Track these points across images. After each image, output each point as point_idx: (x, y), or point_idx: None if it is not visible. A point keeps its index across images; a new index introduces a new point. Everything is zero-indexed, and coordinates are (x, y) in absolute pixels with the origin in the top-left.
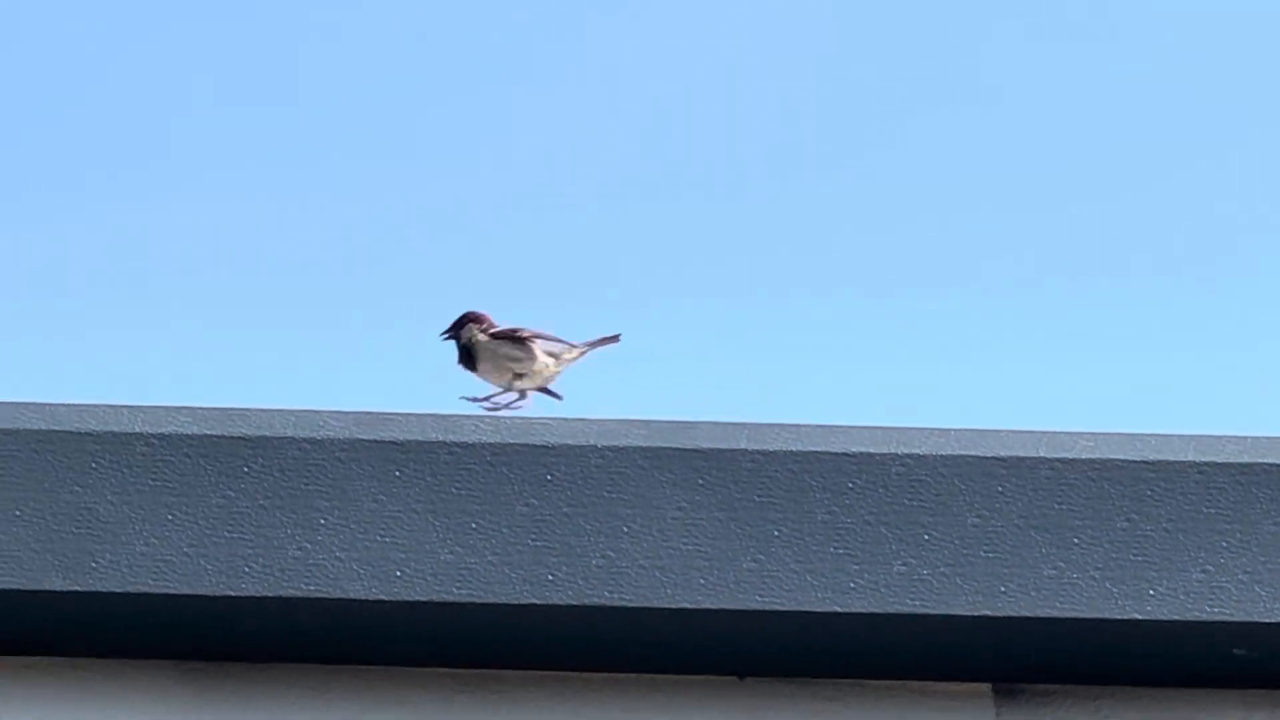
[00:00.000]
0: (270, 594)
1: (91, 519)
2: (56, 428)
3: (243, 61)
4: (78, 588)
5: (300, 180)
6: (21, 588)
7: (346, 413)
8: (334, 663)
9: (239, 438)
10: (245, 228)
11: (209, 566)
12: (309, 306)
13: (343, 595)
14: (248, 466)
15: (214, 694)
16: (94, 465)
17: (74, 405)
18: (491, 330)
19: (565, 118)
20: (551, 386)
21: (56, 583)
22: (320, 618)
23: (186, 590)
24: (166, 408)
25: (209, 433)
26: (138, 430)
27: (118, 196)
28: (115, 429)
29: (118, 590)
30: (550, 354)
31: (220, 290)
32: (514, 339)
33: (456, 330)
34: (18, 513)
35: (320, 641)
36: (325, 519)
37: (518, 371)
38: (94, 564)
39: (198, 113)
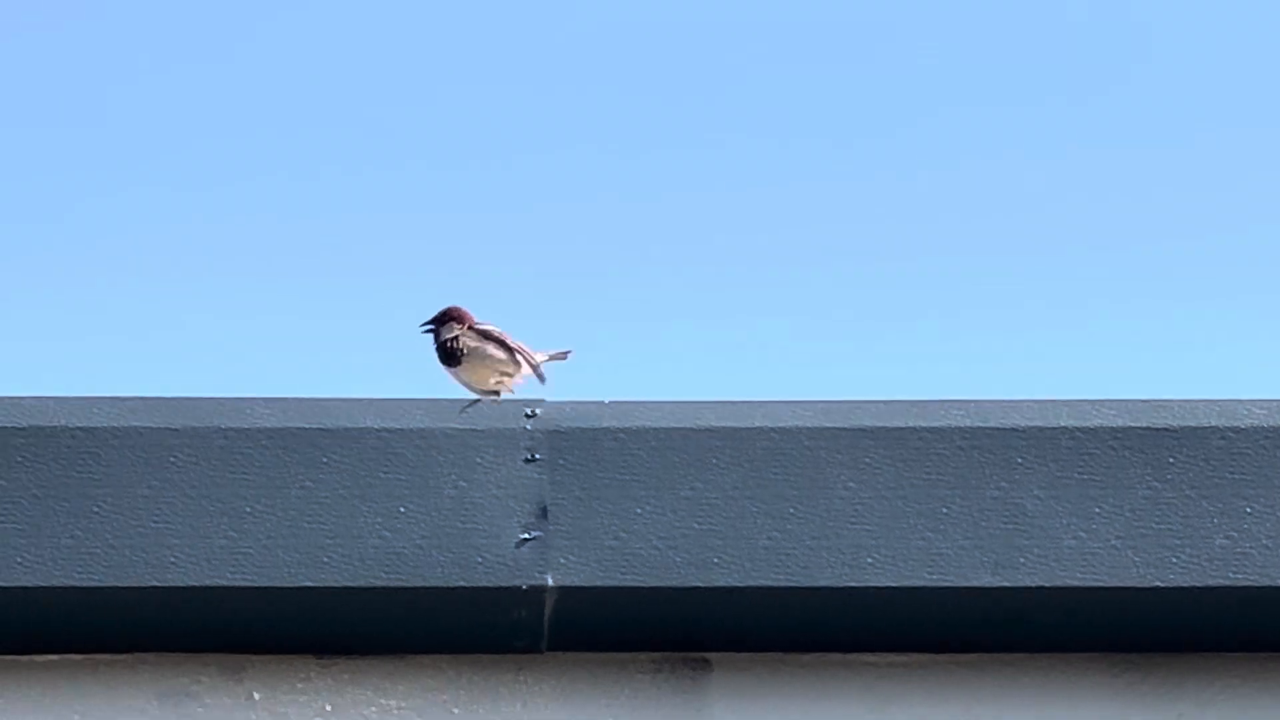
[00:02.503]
0: (1196, 584)
1: (1019, 515)
2: (982, 424)
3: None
4: (1007, 583)
5: None
6: (952, 585)
7: (1272, 401)
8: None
9: (1163, 429)
10: None
11: (1136, 559)
12: None
13: (1270, 583)
14: (1172, 457)
15: (1143, 686)
16: (1020, 460)
17: (1001, 401)
18: (478, 328)
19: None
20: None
21: (986, 579)
22: (1248, 606)
23: (1114, 583)
24: (1092, 402)
25: (1132, 424)
26: (1064, 424)
27: None
28: (1040, 424)
29: (1047, 585)
30: (528, 362)
31: None
32: (503, 344)
33: (438, 325)
34: (945, 510)
35: (1244, 629)
36: (1250, 507)
37: (505, 372)
38: (1022, 559)
39: None
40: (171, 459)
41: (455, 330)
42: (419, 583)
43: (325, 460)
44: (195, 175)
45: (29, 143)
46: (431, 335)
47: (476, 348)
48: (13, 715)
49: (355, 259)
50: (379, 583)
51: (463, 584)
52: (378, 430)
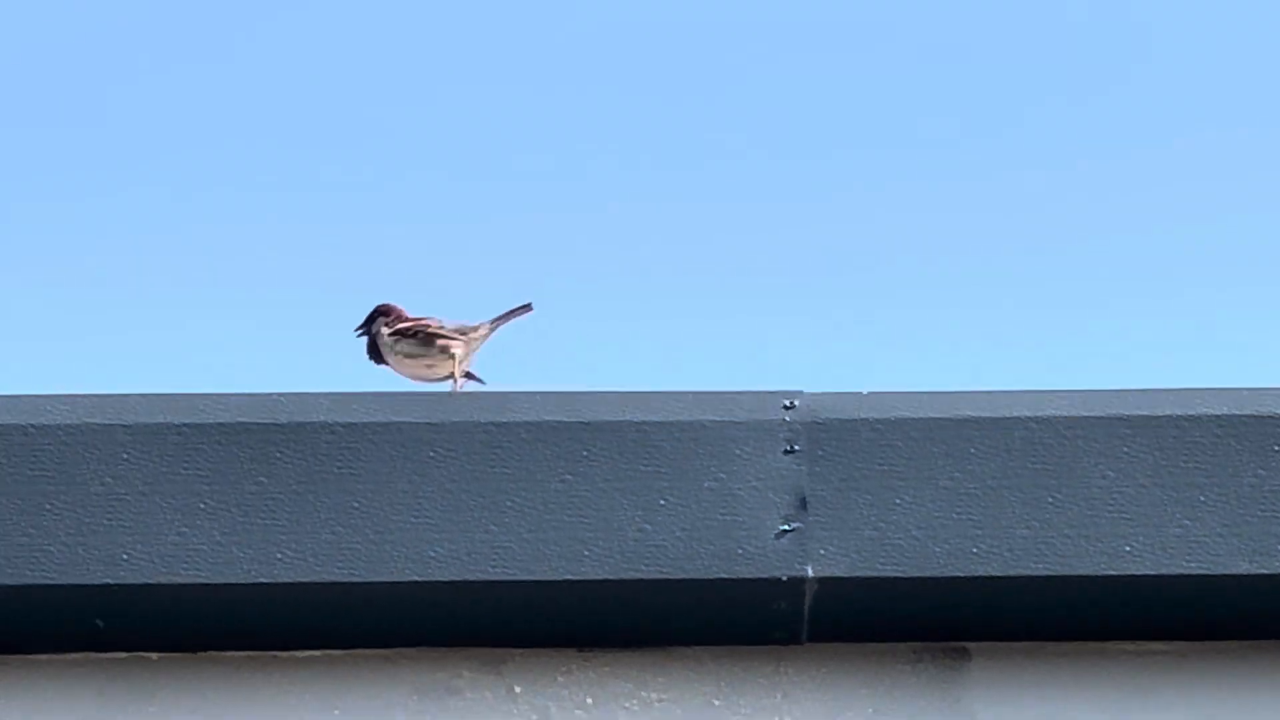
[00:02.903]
0: None
1: (1277, 501)
2: (1239, 412)
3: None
4: (1264, 570)
5: None
6: (1210, 572)
7: None
8: None
9: None
10: None
11: None
12: None
13: None
14: None
15: None
16: (1277, 448)
17: (1257, 389)
18: (398, 325)
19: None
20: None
21: (1243, 566)
22: None
23: None
24: None
25: None
26: None
27: None
28: None
29: None
30: (455, 342)
31: None
32: (414, 335)
33: (368, 325)
34: (1202, 498)
35: None
36: None
37: (428, 363)
38: None
39: None
40: (431, 453)
41: (379, 327)
42: (679, 575)
43: (585, 453)
44: (195, 176)
45: (28, 142)
46: (365, 337)
47: (389, 345)
48: (274, 711)
49: (367, 259)
50: (639, 575)
51: (723, 576)
52: (637, 423)
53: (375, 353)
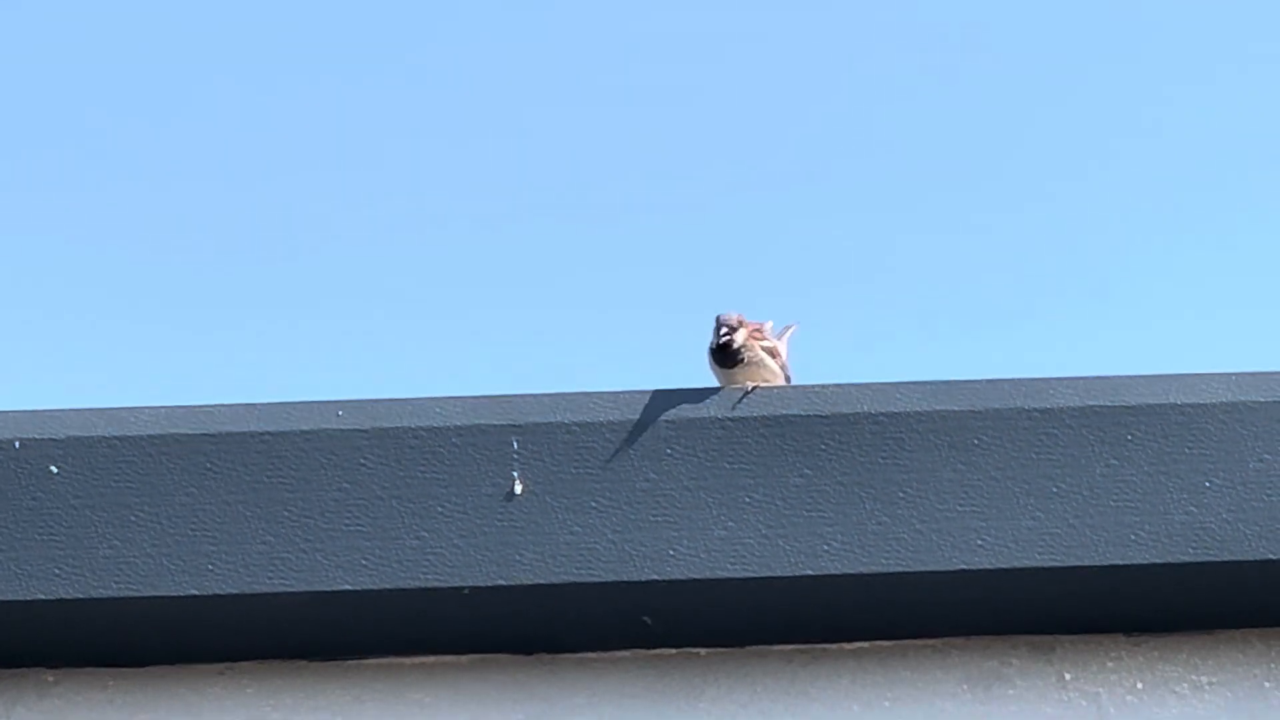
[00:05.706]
0: None
1: None
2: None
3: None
4: None
5: None
6: None
7: None
8: None
9: None
10: None
11: None
12: None
13: None
14: None
15: None
16: None
17: None
18: (762, 342)
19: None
20: None
21: None
22: None
23: None
24: None
25: None
26: None
27: None
28: None
29: None
30: (784, 371)
31: None
32: (773, 353)
33: (731, 331)
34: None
35: None
36: None
37: (768, 380)
38: None
39: None
40: (975, 441)
41: (740, 335)
42: (1227, 557)
43: (1129, 438)
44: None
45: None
46: (726, 337)
47: (756, 359)
48: (822, 704)
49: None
50: (1187, 559)
51: (1271, 557)
52: (1180, 405)
53: (726, 354)
